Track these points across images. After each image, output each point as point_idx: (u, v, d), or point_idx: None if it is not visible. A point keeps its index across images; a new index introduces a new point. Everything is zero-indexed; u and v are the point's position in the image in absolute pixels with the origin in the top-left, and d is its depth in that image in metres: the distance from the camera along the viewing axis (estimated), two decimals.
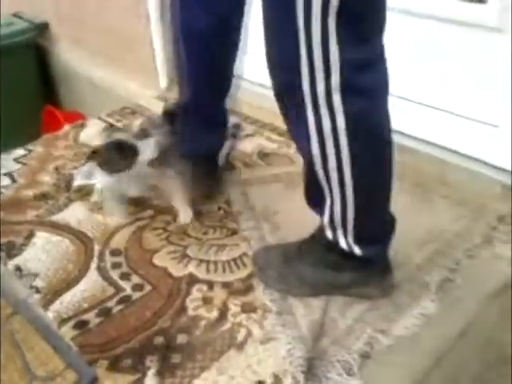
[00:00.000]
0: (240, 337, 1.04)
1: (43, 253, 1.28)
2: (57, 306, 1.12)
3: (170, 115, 1.25)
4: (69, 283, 1.18)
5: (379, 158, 0.97)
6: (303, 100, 0.89)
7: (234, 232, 1.32)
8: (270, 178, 1.53)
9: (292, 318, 1.07)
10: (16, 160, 1.69)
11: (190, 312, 1.10)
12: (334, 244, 1.06)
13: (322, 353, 1.00)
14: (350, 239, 1.03)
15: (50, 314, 1.11)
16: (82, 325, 1.08)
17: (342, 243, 1.04)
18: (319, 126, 0.90)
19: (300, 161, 1.58)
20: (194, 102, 1.22)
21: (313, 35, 0.82)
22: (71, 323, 1.08)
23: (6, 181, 1.57)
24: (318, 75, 0.85)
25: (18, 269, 1.23)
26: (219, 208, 1.41)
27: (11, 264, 1.25)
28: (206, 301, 1.13)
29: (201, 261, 1.23)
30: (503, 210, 1.31)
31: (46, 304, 1.13)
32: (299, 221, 1.32)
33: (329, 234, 1.05)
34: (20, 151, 1.74)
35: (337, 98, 0.87)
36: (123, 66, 2.37)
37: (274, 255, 1.17)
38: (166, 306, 1.11)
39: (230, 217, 1.38)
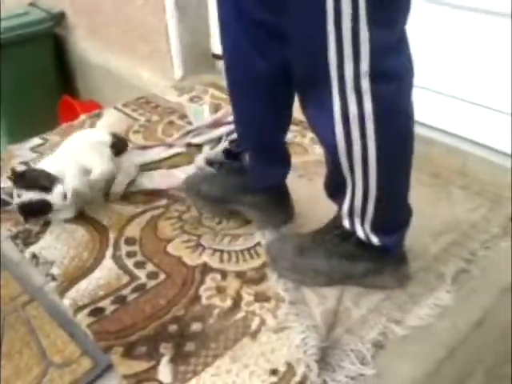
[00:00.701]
0: (253, 325, 1.04)
1: (59, 241, 1.29)
2: (73, 293, 1.14)
3: (232, 153, 1.29)
4: (84, 271, 1.19)
5: (403, 145, 0.96)
6: (329, 85, 0.87)
7: (248, 222, 1.32)
8: None
9: (306, 307, 1.07)
10: (32, 149, 1.70)
11: (204, 301, 1.10)
12: (350, 234, 1.05)
13: (335, 342, 0.99)
14: (368, 228, 1.02)
15: (65, 302, 1.12)
16: (97, 312, 1.09)
17: (360, 232, 1.03)
18: (345, 111, 0.88)
19: (314, 150, 1.58)
20: (257, 141, 1.19)
21: (343, 17, 0.80)
22: (87, 310, 1.09)
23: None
24: (346, 59, 0.84)
25: (35, 256, 1.24)
26: None
27: (28, 252, 1.26)
28: (220, 290, 1.13)
29: (215, 250, 1.23)
30: None
31: (62, 291, 1.14)
32: (313, 210, 1.32)
33: (346, 223, 1.05)
34: (36, 140, 1.76)
35: (365, 83, 0.85)
36: (139, 55, 2.38)
37: (287, 245, 1.17)
38: (180, 295, 1.12)
39: None
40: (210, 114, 1.82)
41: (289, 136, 1.66)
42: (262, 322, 1.05)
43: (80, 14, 2.68)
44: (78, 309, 1.10)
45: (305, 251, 1.13)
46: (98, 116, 1.91)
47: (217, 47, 2.19)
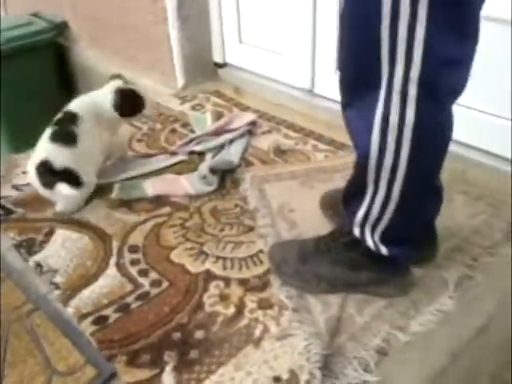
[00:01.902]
0: (257, 333, 1.04)
1: (63, 249, 1.29)
2: (76, 301, 1.14)
3: None
4: (88, 279, 1.20)
5: (435, 161, 0.95)
6: (377, 87, 0.86)
7: (251, 229, 1.33)
8: (286, 175, 1.53)
9: (309, 314, 1.07)
10: None
11: (207, 308, 1.11)
12: (358, 242, 1.05)
13: (338, 349, 0.99)
14: (377, 238, 1.02)
15: (69, 310, 1.13)
16: (101, 320, 1.09)
17: (369, 241, 1.03)
18: (386, 117, 0.87)
19: (316, 158, 1.59)
20: None
21: (400, 19, 0.79)
22: (90, 319, 1.10)
23: (26, 179, 1.59)
24: (398, 62, 0.83)
25: (39, 265, 1.25)
26: (236, 205, 1.42)
27: (32, 260, 1.27)
28: (223, 297, 1.13)
29: (218, 257, 1.24)
30: None
31: (66, 300, 1.15)
32: (315, 218, 1.33)
33: (356, 232, 1.04)
34: None
35: (412, 91, 0.84)
36: (141, 64, 2.39)
37: (290, 251, 1.17)
38: (184, 302, 1.12)
39: (247, 214, 1.38)
40: (212, 122, 1.83)
41: (290, 143, 1.68)
42: (266, 330, 1.05)
43: (83, 23, 2.69)
44: (82, 317, 1.10)
45: (308, 258, 1.13)
46: None
47: (218, 56, 2.21)
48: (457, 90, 0.90)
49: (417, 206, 1.01)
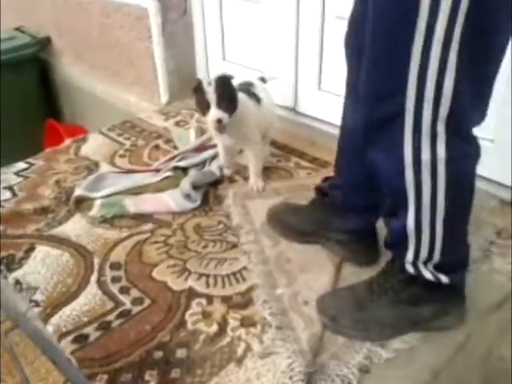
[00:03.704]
0: (239, 351, 1.04)
1: (43, 266, 1.28)
2: (56, 319, 1.12)
3: (322, 190, 1.30)
4: (69, 297, 1.18)
5: (470, 189, 0.95)
6: (402, 129, 0.86)
7: (234, 246, 1.33)
8: (269, 192, 1.54)
9: (292, 332, 1.07)
10: (17, 173, 1.70)
11: (190, 326, 1.10)
12: (414, 277, 1.02)
13: (321, 367, 0.99)
14: (433, 270, 1.00)
15: (49, 328, 1.11)
16: (81, 339, 1.08)
17: (427, 275, 1.01)
18: (417, 157, 0.88)
19: (299, 174, 1.60)
20: (348, 192, 1.20)
21: (429, 66, 0.80)
22: (71, 337, 1.08)
23: (6, 194, 1.58)
24: (426, 105, 0.83)
25: (18, 282, 1.23)
26: (219, 222, 1.42)
27: (11, 278, 1.25)
28: (206, 315, 1.13)
29: (200, 275, 1.23)
30: (501, 224, 1.32)
31: (46, 318, 1.13)
32: None
33: (410, 269, 1.02)
34: (21, 165, 1.75)
35: (441, 128, 0.85)
36: (125, 80, 2.39)
37: (343, 301, 1.10)
38: (166, 320, 1.11)
39: (230, 231, 1.38)
40: (195, 138, 1.84)
41: (272, 160, 1.69)
42: (248, 348, 1.05)
43: (66, 39, 2.70)
44: (62, 335, 1.09)
45: (365, 304, 1.07)
46: (84, 140, 1.92)
47: (202, 73, 2.22)
48: (479, 121, 0.91)
49: (463, 235, 1.01)
